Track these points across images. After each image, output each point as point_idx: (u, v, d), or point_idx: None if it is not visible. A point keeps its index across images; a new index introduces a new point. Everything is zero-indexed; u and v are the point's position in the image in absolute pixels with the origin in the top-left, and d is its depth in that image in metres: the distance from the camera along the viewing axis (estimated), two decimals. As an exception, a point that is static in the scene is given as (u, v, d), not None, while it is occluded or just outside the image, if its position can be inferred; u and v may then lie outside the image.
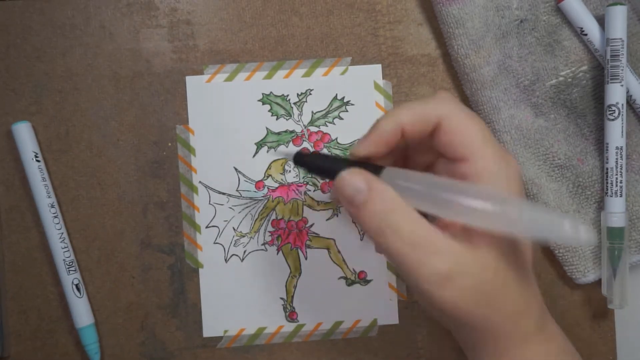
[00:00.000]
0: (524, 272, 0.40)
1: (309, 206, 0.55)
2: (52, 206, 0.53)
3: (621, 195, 0.52)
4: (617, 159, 0.52)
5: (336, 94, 0.55)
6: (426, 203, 0.37)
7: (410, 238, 0.36)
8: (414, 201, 0.37)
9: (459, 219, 0.37)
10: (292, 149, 0.55)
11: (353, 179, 0.38)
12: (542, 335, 0.41)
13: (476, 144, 0.38)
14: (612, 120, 0.52)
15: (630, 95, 0.53)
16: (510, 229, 0.35)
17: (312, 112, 0.55)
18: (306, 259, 0.55)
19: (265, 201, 0.55)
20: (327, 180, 0.52)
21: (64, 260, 0.53)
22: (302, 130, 0.55)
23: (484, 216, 0.36)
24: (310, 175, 0.55)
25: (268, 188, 0.55)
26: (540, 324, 0.41)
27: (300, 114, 0.55)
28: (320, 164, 0.42)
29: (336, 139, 0.55)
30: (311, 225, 0.55)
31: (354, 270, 0.55)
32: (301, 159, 0.43)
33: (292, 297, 0.55)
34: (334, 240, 0.55)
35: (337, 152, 0.55)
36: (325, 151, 0.55)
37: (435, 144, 0.40)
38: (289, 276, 0.55)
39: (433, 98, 0.40)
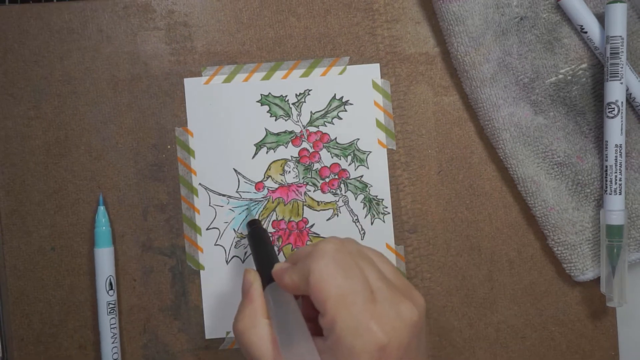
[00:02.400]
0: None
1: (309, 206, 0.55)
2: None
3: (620, 193, 0.52)
4: (616, 156, 0.52)
5: (335, 94, 0.55)
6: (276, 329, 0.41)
7: (250, 351, 0.41)
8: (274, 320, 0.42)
9: None
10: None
11: (246, 277, 0.46)
12: None
13: (330, 304, 0.39)
14: (612, 118, 0.51)
15: (630, 93, 0.53)
16: None
17: (311, 112, 0.55)
18: (307, 259, 0.55)
19: (265, 202, 0.55)
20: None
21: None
22: (301, 131, 0.55)
23: None
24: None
25: (268, 189, 0.55)
26: None
27: (299, 114, 0.55)
28: (255, 243, 0.50)
29: (335, 138, 0.55)
30: (312, 226, 0.55)
31: (354, 270, 0.55)
32: (250, 227, 0.51)
33: (293, 297, 0.55)
34: (334, 240, 0.55)
35: (337, 151, 0.55)
36: (324, 151, 0.55)
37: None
38: (289, 277, 0.55)
39: (311, 253, 0.41)
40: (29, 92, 0.54)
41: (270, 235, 0.55)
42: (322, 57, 0.55)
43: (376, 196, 0.55)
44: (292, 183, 0.55)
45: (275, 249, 0.55)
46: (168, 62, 0.55)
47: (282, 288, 0.43)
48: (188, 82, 0.55)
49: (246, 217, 0.55)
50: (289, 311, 0.41)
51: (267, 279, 0.44)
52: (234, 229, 0.55)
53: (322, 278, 0.39)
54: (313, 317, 0.42)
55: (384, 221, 0.55)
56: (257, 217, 0.54)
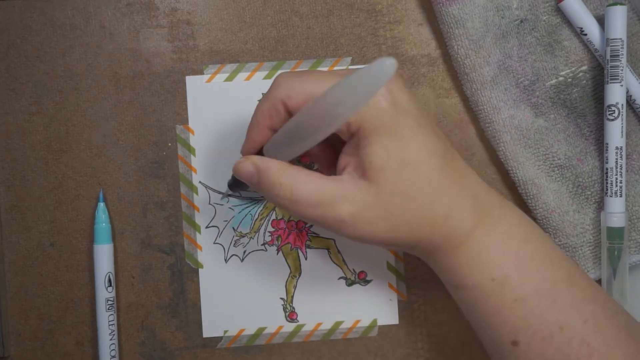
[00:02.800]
0: (434, 171, 0.41)
1: (309, 206, 0.55)
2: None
3: (621, 196, 0.52)
4: (616, 159, 0.52)
5: (336, 94, 0.55)
6: (294, 143, 0.41)
7: (304, 198, 0.41)
8: (291, 152, 0.41)
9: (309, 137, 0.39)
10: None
11: (241, 165, 0.43)
12: (483, 228, 0.42)
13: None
14: (612, 120, 0.52)
15: (630, 95, 0.53)
16: (342, 112, 0.36)
17: (312, 112, 0.55)
18: (306, 259, 0.55)
19: (265, 201, 0.55)
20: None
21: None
22: (302, 130, 0.55)
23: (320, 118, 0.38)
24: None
25: (268, 188, 0.55)
26: (476, 219, 0.42)
27: (300, 114, 0.55)
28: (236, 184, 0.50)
29: (336, 139, 0.55)
30: (311, 226, 0.55)
31: (353, 270, 0.55)
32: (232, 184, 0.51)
33: (292, 297, 0.55)
34: (334, 240, 0.55)
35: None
36: None
37: None
38: (288, 276, 0.55)
39: (273, 86, 0.42)
40: (30, 87, 0.54)
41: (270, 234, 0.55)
42: (324, 58, 0.55)
43: (376, 197, 0.55)
44: (292, 182, 0.55)
45: (274, 248, 0.55)
46: (170, 59, 0.55)
47: (262, 134, 0.44)
48: (190, 80, 0.55)
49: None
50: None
51: None
52: (233, 228, 0.55)
53: (299, 91, 0.41)
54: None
55: (384, 221, 0.55)
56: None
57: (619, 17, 0.51)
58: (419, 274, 0.55)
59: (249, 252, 0.55)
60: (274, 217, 0.55)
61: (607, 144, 0.52)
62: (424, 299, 0.55)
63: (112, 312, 0.53)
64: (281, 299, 0.55)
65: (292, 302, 0.55)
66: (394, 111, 0.40)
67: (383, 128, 0.40)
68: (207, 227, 0.55)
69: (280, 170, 0.41)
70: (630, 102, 0.53)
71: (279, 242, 0.55)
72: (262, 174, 0.42)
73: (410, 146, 0.40)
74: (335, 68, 0.55)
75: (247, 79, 0.55)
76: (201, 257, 0.55)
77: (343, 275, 0.55)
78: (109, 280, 0.53)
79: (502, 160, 0.54)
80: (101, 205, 0.54)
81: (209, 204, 0.55)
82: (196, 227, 0.55)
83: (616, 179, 0.52)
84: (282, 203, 0.41)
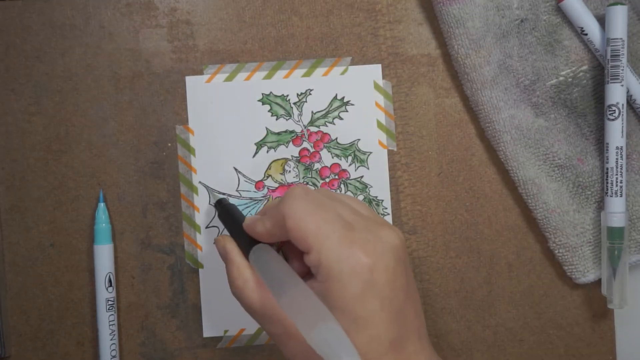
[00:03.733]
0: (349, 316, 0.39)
1: (309, 206, 0.55)
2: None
3: (621, 195, 0.52)
4: (617, 159, 0.52)
5: (336, 94, 0.55)
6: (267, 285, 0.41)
7: (250, 307, 0.43)
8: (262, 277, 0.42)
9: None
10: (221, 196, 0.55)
11: (217, 242, 0.47)
12: None
13: (311, 239, 0.39)
14: (612, 120, 0.52)
15: (631, 95, 0.53)
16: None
17: (312, 112, 0.55)
18: (306, 259, 0.55)
19: (265, 201, 0.55)
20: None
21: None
22: (301, 131, 0.55)
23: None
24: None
25: (268, 188, 0.55)
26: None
27: (300, 114, 0.55)
28: (226, 218, 0.49)
29: (336, 139, 0.55)
30: (311, 225, 0.55)
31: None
32: (218, 206, 0.51)
33: (292, 297, 0.55)
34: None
35: (337, 152, 0.55)
36: (325, 152, 0.55)
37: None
38: (289, 276, 0.55)
39: (282, 199, 0.42)
40: (30, 87, 0.54)
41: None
42: (324, 57, 0.55)
43: (376, 197, 0.55)
44: (292, 182, 0.55)
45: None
46: (170, 59, 0.55)
47: (256, 238, 0.44)
48: (189, 80, 0.55)
49: (210, 199, 0.55)
50: (273, 264, 0.41)
51: (248, 245, 0.44)
52: (233, 228, 0.55)
53: (298, 217, 0.40)
54: (300, 269, 0.43)
55: (384, 221, 0.55)
56: (222, 197, 0.54)
57: (619, 16, 0.51)
58: (418, 274, 0.56)
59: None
60: (274, 217, 0.55)
61: (608, 143, 0.52)
62: (422, 300, 0.55)
63: (112, 312, 0.53)
64: (281, 299, 0.55)
65: (292, 302, 0.55)
66: (360, 296, 0.38)
67: (343, 299, 0.38)
68: (207, 227, 0.55)
69: (239, 267, 0.44)
70: (630, 102, 0.53)
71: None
72: (226, 259, 0.45)
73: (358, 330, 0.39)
74: (335, 67, 0.55)
75: (247, 79, 0.55)
76: (201, 257, 0.55)
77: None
78: (109, 281, 0.53)
79: (502, 160, 0.54)
80: (101, 205, 0.54)
81: (209, 204, 0.55)
82: (196, 227, 0.55)
83: (616, 178, 0.52)
84: (232, 291, 0.44)
